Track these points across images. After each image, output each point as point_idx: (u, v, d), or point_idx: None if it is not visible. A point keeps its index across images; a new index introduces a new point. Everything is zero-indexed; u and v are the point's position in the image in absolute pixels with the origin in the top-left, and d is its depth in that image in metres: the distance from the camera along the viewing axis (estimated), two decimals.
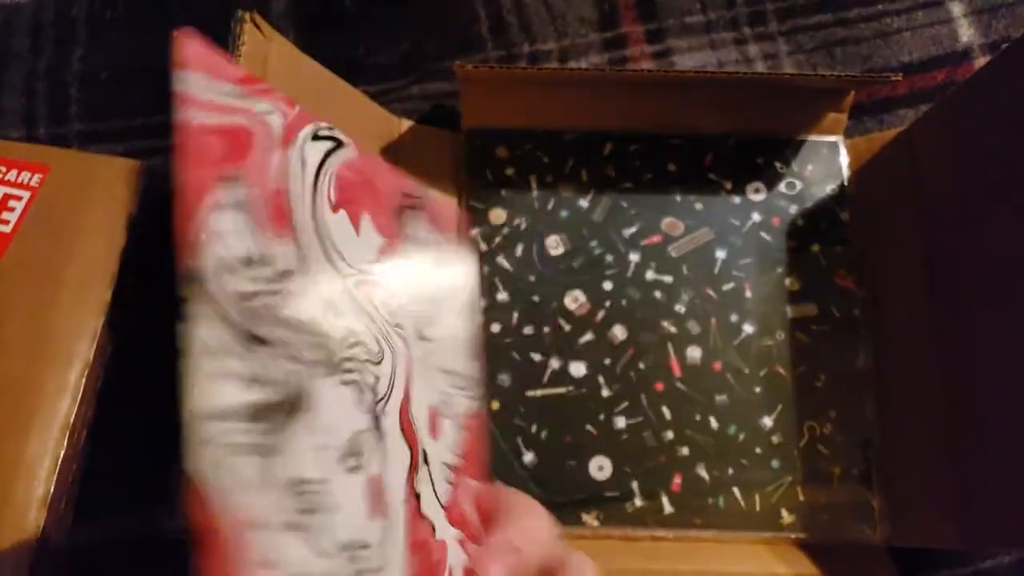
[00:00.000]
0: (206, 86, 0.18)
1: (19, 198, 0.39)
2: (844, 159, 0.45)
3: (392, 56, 0.48)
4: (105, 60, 0.47)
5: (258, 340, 0.17)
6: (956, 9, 0.48)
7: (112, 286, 0.40)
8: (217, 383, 0.16)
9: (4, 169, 0.40)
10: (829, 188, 0.44)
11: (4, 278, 0.38)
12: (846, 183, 0.44)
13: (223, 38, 0.34)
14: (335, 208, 0.21)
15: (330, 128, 0.22)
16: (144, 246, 0.42)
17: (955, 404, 0.37)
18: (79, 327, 0.39)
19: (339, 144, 0.22)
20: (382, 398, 0.21)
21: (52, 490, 0.36)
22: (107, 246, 0.40)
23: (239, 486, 0.16)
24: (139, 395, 0.40)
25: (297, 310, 0.18)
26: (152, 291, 0.40)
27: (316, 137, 0.21)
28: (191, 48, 0.18)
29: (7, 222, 0.39)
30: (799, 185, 0.44)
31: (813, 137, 0.45)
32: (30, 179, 0.40)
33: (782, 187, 0.44)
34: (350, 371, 0.20)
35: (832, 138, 0.45)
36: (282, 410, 0.17)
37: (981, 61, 0.47)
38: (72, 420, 0.37)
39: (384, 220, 0.23)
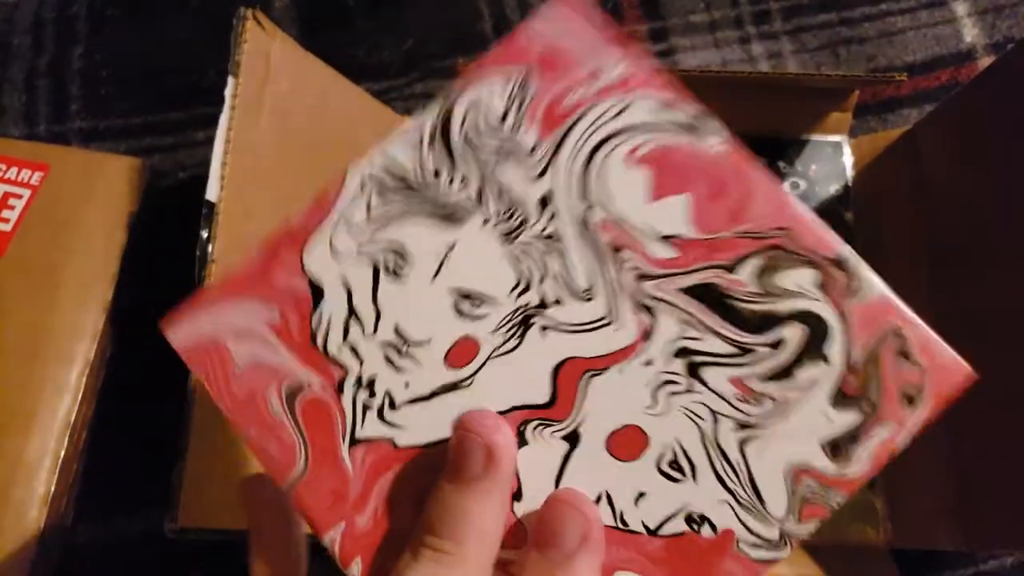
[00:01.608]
0: (573, 30, 0.23)
1: (19, 196, 0.39)
2: (848, 159, 0.45)
3: (395, 54, 0.48)
4: (106, 58, 0.47)
5: (451, 160, 0.23)
6: (960, 9, 0.48)
7: (113, 285, 0.40)
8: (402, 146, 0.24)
9: (4, 167, 0.40)
10: (833, 188, 0.44)
11: (4, 277, 0.38)
12: (850, 183, 0.44)
13: (225, 35, 0.34)
14: (633, 162, 0.23)
15: (697, 118, 0.23)
16: (145, 245, 0.42)
17: (957, 405, 0.37)
18: (80, 326, 0.38)
19: (692, 129, 0.23)
20: (554, 324, 0.22)
21: (53, 489, 0.36)
22: (108, 245, 0.40)
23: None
24: (140, 395, 0.40)
25: (504, 172, 0.23)
26: (153, 290, 0.40)
27: (667, 106, 0.23)
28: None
29: (7, 220, 0.39)
30: (803, 185, 0.44)
31: (817, 136, 0.45)
32: (31, 177, 0.40)
33: (786, 186, 0.44)
34: (513, 239, 0.23)
35: (836, 137, 0.45)
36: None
37: (985, 61, 0.47)
38: (73, 419, 0.37)
39: (712, 219, 0.22)
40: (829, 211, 0.44)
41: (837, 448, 0.21)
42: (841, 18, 0.48)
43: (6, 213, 0.39)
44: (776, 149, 0.44)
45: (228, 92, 0.33)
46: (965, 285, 0.37)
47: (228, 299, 0.23)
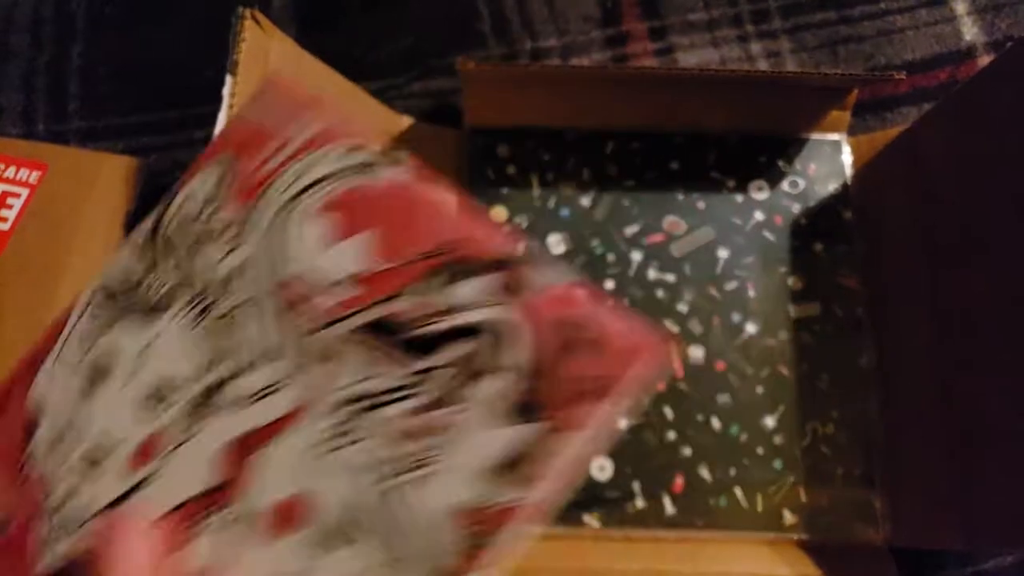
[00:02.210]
0: (273, 107, 0.25)
1: (17, 195, 0.39)
2: (847, 157, 0.44)
3: (393, 53, 0.48)
4: (104, 57, 0.47)
5: (154, 260, 0.24)
6: (959, 7, 0.48)
7: None
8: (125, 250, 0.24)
9: (3, 166, 0.40)
10: (832, 186, 0.44)
11: (2, 276, 0.38)
12: (849, 181, 0.44)
13: (224, 35, 0.34)
14: (319, 212, 0.23)
15: (377, 156, 0.23)
16: None
17: (957, 405, 0.37)
18: None
19: (369, 167, 0.23)
20: (237, 397, 0.22)
21: None
22: (105, 244, 0.40)
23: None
24: None
25: (202, 256, 0.24)
26: None
27: (351, 151, 0.23)
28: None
29: (5, 219, 0.39)
30: (802, 183, 0.44)
31: (816, 135, 0.45)
32: (29, 176, 0.40)
33: (785, 185, 0.44)
34: (202, 320, 0.23)
35: (835, 136, 0.45)
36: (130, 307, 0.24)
37: (984, 60, 0.47)
38: None
39: (395, 249, 0.22)
40: (828, 210, 0.44)
41: (515, 469, 0.19)
42: (840, 16, 0.48)
43: (4, 212, 0.39)
44: (775, 148, 0.44)
45: (226, 91, 0.33)
46: (964, 283, 0.37)
47: None
